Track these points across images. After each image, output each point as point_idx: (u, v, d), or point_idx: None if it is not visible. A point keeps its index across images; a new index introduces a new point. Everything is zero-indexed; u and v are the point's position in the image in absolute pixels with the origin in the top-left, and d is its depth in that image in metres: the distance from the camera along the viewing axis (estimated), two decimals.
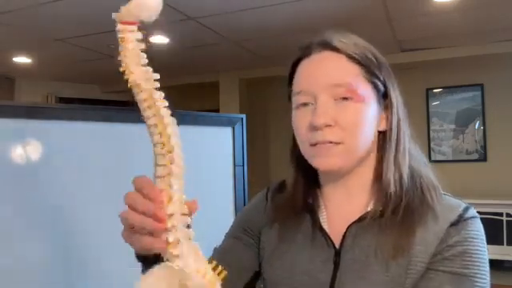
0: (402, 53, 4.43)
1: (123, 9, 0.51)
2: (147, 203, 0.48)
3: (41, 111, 1.05)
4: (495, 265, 4.25)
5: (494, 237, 4.11)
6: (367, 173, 0.74)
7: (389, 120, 0.73)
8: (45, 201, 1.04)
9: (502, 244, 4.10)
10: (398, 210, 0.68)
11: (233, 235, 0.85)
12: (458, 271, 0.64)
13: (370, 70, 0.70)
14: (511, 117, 4.62)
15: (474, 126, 4.79)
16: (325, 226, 0.74)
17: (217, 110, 5.23)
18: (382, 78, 0.72)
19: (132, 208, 0.50)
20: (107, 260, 0.89)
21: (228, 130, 1.41)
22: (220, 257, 0.81)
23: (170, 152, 0.50)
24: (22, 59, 4.54)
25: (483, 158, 4.72)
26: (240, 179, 1.45)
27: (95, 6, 3.06)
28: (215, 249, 0.86)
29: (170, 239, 0.47)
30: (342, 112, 0.68)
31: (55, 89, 5.58)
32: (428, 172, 0.74)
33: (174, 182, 0.49)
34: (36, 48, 4.15)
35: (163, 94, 0.53)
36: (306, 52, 0.73)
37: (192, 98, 5.52)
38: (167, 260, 0.47)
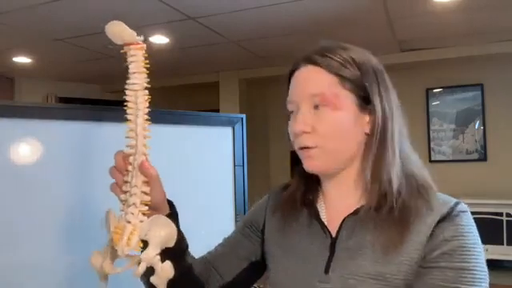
0: (402, 53, 4.43)
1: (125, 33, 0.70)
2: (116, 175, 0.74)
3: (41, 111, 1.05)
4: (495, 265, 4.25)
5: (494, 237, 4.11)
6: (356, 171, 0.79)
7: (372, 124, 0.78)
8: (45, 201, 1.04)
9: (502, 244, 4.10)
10: (394, 208, 0.73)
11: (236, 229, 0.96)
12: (458, 265, 0.68)
13: (347, 78, 0.76)
14: (511, 117, 4.62)
15: (474, 125, 4.79)
16: (323, 217, 0.81)
17: (217, 110, 5.23)
18: (362, 85, 0.77)
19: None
20: None
21: (228, 130, 1.41)
22: (221, 244, 0.94)
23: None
24: (22, 59, 4.54)
25: (483, 157, 4.72)
26: (240, 179, 1.45)
27: (95, 5, 3.06)
28: (224, 239, 0.96)
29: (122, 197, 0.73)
30: (319, 119, 0.76)
31: (55, 89, 5.58)
32: (423, 172, 0.79)
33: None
34: (36, 48, 4.15)
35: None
36: (295, 66, 0.82)
37: (192, 98, 5.52)
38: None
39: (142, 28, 3.57)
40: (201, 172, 1.36)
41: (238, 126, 1.41)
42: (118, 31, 0.70)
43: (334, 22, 3.48)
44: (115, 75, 4.79)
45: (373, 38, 3.73)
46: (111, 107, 1.17)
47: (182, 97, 5.63)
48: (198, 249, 0.89)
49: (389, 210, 0.73)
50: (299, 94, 0.78)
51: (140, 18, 3.31)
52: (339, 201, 0.81)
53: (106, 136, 1.13)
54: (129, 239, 0.67)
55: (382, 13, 3.34)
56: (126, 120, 0.72)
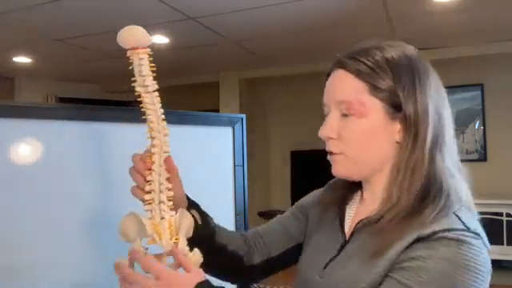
0: None
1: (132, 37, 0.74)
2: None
3: (41, 111, 1.05)
4: (495, 265, 4.24)
5: (494, 237, 4.11)
6: (387, 179, 0.76)
7: (403, 132, 0.73)
8: (44, 201, 1.04)
9: (502, 244, 4.10)
10: (395, 217, 0.70)
11: (290, 210, 0.99)
12: (404, 281, 0.63)
13: (376, 86, 0.72)
14: (511, 117, 4.62)
15: (474, 125, 4.79)
16: (348, 220, 0.82)
17: (217, 110, 5.23)
18: (394, 92, 0.72)
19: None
20: (107, 259, 0.89)
21: (228, 130, 1.41)
22: (274, 221, 0.99)
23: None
24: (22, 59, 4.54)
25: (483, 157, 4.72)
26: (240, 179, 1.45)
27: (95, 5, 3.06)
28: (277, 217, 1.01)
29: (146, 197, 0.74)
30: (345, 127, 0.75)
31: (55, 89, 5.58)
32: (452, 185, 0.72)
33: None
34: (36, 48, 4.15)
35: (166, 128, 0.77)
36: (330, 68, 0.80)
37: (192, 98, 5.52)
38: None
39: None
40: (201, 172, 1.36)
41: (237, 126, 1.41)
42: (137, 34, 0.73)
43: (334, 22, 3.48)
44: (115, 75, 4.78)
45: (373, 37, 3.73)
46: (111, 107, 1.17)
47: (182, 97, 5.63)
48: None
49: (390, 219, 0.70)
50: (329, 98, 0.78)
51: (140, 18, 3.31)
52: (369, 205, 0.79)
53: (105, 136, 1.13)
54: (171, 234, 0.72)
55: (382, 13, 3.34)
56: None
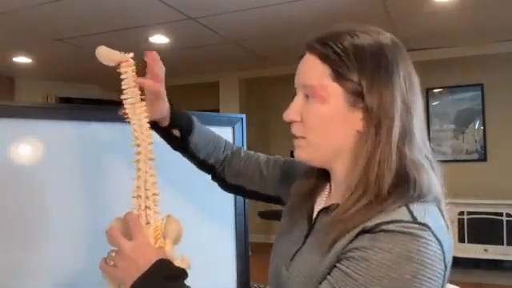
0: None
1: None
2: None
3: (41, 111, 1.05)
4: (495, 265, 4.25)
5: (494, 237, 4.11)
6: (346, 167, 0.75)
7: (365, 122, 0.71)
8: (44, 201, 1.04)
9: (502, 244, 4.10)
10: (349, 209, 0.68)
11: (283, 159, 1.02)
12: (346, 270, 0.63)
13: (340, 73, 0.71)
14: (511, 117, 4.62)
15: (474, 125, 4.79)
16: (316, 210, 0.81)
17: (217, 110, 5.24)
18: (356, 80, 0.70)
19: None
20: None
21: (228, 130, 1.40)
22: (270, 164, 1.02)
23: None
24: (21, 59, 4.55)
25: (483, 157, 4.72)
26: None
27: (95, 5, 3.06)
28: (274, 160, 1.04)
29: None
30: (307, 110, 0.75)
31: (55, 89, 5.58)
32: (414, 178, 0.68)
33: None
34: (36, 48, 4.16)
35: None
36: (302, 52, 0.80)
37: (192, 98, 5.53)
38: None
39: (142, 28, 3.57)
40: (201, 172, 1.36)
41: (238, 126, 1.41)
42: (106, 54, 0.79)
43: (334, 22, 3.47)
44: (115, 75, 4.79)
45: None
46: (111, 107, 1.17)
47: (182, 97, 5.63)
48: (197, 249, 0.89)
49: (343, 211, 0.69)
50: (296, 82, 0.78)
51: (140, 17, 3.31)
52: (333, 196, 0.79)
53: (106, 136, 1.13)
54: (155, 238, 0.74)
55: (382, 13, 3.34)
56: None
